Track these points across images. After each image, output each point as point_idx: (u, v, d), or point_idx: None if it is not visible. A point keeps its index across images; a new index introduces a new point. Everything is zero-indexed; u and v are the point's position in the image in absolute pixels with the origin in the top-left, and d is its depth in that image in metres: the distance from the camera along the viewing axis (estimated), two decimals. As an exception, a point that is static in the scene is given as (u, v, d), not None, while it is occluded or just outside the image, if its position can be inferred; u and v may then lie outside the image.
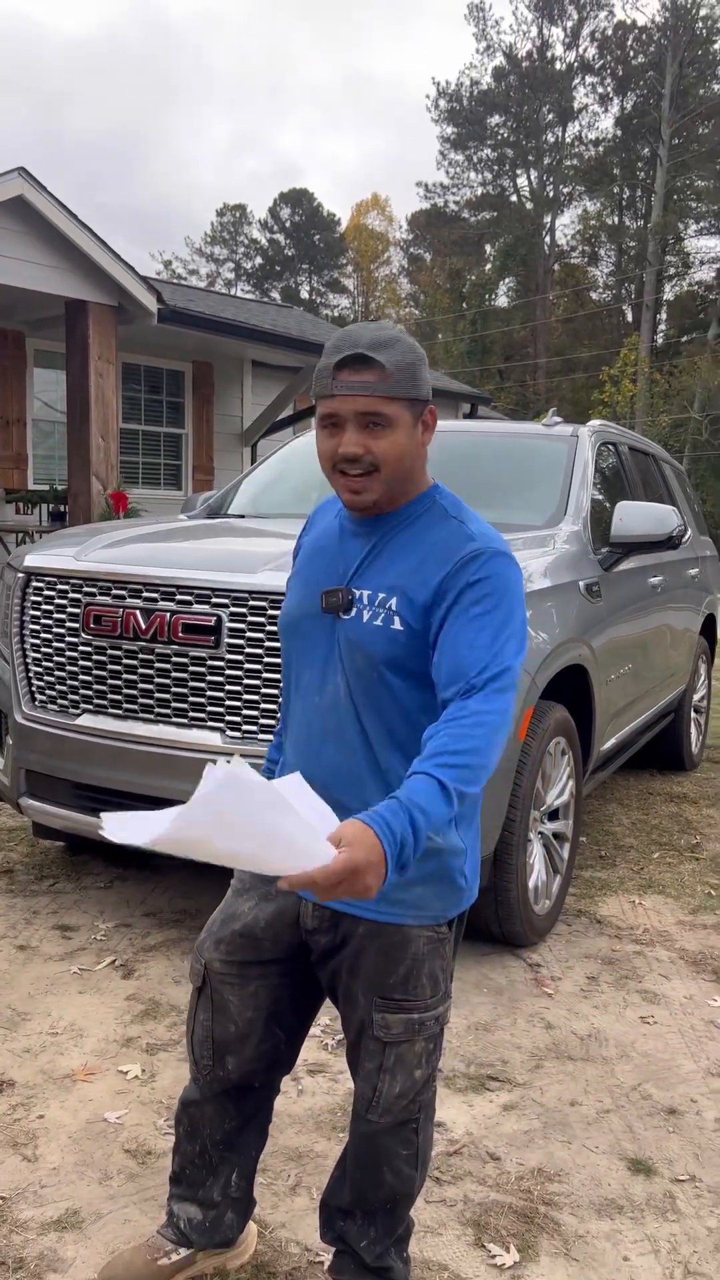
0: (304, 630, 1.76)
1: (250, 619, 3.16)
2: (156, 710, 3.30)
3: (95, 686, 3.41)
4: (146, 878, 4.12)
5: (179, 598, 3.25)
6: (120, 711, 3.37)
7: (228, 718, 3.20)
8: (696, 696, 6.34)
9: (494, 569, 1.63)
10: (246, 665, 3.16)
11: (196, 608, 3.22)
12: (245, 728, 3.17)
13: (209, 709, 3.22)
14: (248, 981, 1.82)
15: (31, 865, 4.22)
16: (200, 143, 78.67)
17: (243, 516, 4.58)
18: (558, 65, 46.66)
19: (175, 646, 3.24)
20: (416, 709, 1.66)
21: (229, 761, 1.29)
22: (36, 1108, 2.56)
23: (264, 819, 1.30)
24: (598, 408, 33.13)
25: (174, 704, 3.27)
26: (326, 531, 1.81)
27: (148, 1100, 2.60)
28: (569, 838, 3.90)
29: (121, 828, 1.34)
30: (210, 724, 3.22)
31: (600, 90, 46.51)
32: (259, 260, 57.80)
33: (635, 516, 4.15)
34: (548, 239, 48.51)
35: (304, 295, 55.48)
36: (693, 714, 6.27)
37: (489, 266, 49.38)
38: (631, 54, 45.07)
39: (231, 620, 3.17)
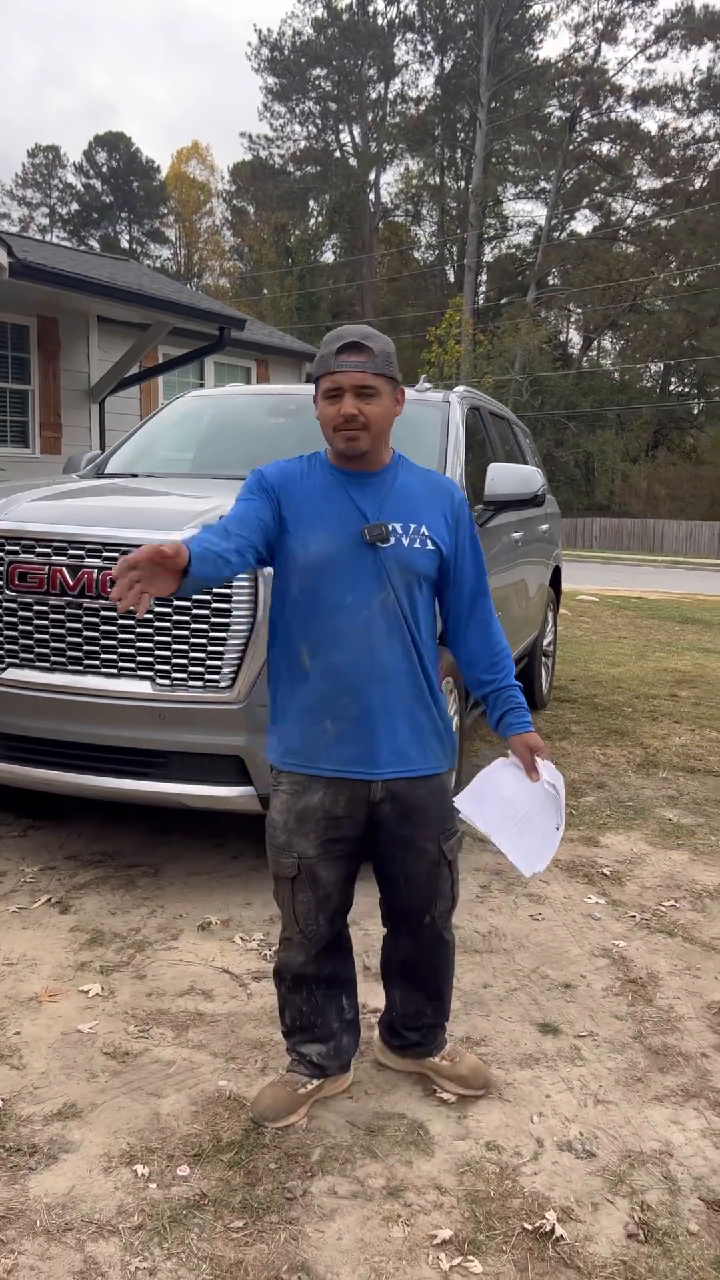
0: (341, 561, 2.20)
1: (177, 574, 3.38)
2: (85, 662, 3.49)
3: (21, 641, 3.56)
4: (59, 825, 4.30)
5: (105, 554, 3.44)
6: (48, 665, 3.54)
7: (157, 667, 3.43)
8: (545, 642, 6.93)
9: (468, 510, 2.38)
10: (175, 617, 3.40)
11: (124, 564, 3.41)
12: (175, 675, 3.41)
13: (138, 659, 3.44)
14: (332, 856, 2.32)
15: (-59, 819, 4.32)
16: (1, 75, 74.45)
17: (135, 476, 4.75)
18: (379, 20, 46.73)
19: (103, 601, 3.44)
20: (431, 608, 2.33)
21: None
22: (11, 1026, 2.78)
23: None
24: (424, 367, 33.89)
25: (103, 655, 3.47)
26: (320, 487, 2.25)
27: (114, 1013, 2.86)
28: (456, 767, 4.32)
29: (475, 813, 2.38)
30: (140, 673, 3.44)
31: (421, 48, 46.96)
32: (75, 206, 55.53)
33: (506, 477, 4.58)
34: (372, 196, 48.81)
35: (124, 245, 53.71)
36: (543, 658, 6.85)
37: (314, 222, 49.28)
38: (451, 12, 45.62)
39: (159, 575, 3.39)
